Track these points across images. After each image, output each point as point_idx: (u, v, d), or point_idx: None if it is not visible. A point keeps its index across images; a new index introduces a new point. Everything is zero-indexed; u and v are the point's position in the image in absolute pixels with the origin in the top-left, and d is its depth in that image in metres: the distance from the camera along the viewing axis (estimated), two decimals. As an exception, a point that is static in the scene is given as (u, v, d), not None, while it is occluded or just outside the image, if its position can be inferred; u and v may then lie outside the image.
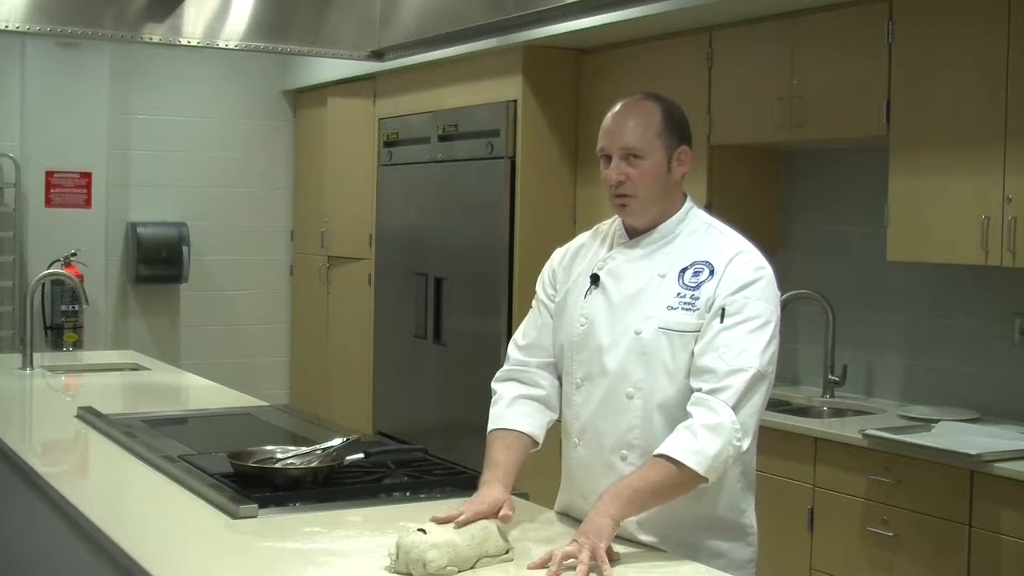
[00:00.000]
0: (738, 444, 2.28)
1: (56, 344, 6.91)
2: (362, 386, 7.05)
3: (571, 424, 2.57)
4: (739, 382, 2.29)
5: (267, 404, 4.31)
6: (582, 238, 2.67)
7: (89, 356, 6.17)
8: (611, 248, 2.55)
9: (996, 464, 3.59)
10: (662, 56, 5.22)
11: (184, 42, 4.81)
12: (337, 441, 2.94)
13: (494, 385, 2.66)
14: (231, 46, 4.87)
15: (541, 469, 2.81)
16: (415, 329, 6.39)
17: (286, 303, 8.22)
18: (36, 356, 5.12)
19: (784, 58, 4.63)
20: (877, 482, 3.95)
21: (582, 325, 2.51)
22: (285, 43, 5.03)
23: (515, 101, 5.69)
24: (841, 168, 4.91)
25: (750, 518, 2.52)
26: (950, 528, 3.72)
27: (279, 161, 8.15)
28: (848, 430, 4.13)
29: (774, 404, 4.75)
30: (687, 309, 2.39)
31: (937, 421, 4.11)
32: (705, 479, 2.27)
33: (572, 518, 2.57)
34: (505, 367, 2.67)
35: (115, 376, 5.18)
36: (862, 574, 4.01)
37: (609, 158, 2.48)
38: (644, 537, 2.43)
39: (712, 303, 2.37)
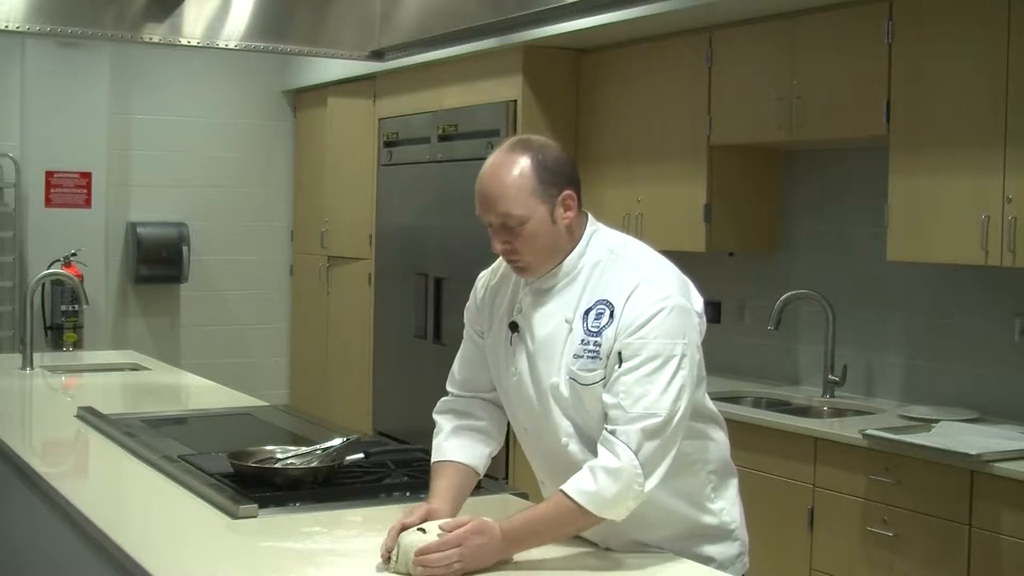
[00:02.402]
0: (639, 488, 2.22)
1: (56, 344, 6.91)
2: (362, 386, 7.05)
3: (532, 465, 2.55)
4: (640, 427, 2.22)
5: (267, 404, 4.30)
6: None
7: (89, 356, 6.16)
8: (525, 284, 2.46)
9: (996, 464, 3.58)
10: (662, 56, 5.22)
11: (184, 42, 4.81)
12: (337, 441, 2.95)
13: (434, 416, 2.63)
14: (231, 46, 4.87)
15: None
16: (415, 329, 6.39)
17: (286, 303, 8.22)
18: (36, 356, 5.12)
19: (784, 58, 4.63)
20: (877, 482, 3.94)
21: (514, 376, 2.45)
22: (285, 43, 5.02)
23: (515, 101, 5.69)
24: (841, 168, 4.91)
25: (730, 515, 2.48)
26: (950, 528, 3.72)
27: (279, 161, 8.15)
28: (848, 430, 4.12)
29: (774, 404, 4.78)
30: (592, 357, 2.30)
31: (937, 421, 4.11)
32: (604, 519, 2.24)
33: None
34: (444, 398, 2.65)
35: (115, 376, 5.18)
36: (862, 574, 4.01)
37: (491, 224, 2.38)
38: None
39: (612, 349, 2.29)
